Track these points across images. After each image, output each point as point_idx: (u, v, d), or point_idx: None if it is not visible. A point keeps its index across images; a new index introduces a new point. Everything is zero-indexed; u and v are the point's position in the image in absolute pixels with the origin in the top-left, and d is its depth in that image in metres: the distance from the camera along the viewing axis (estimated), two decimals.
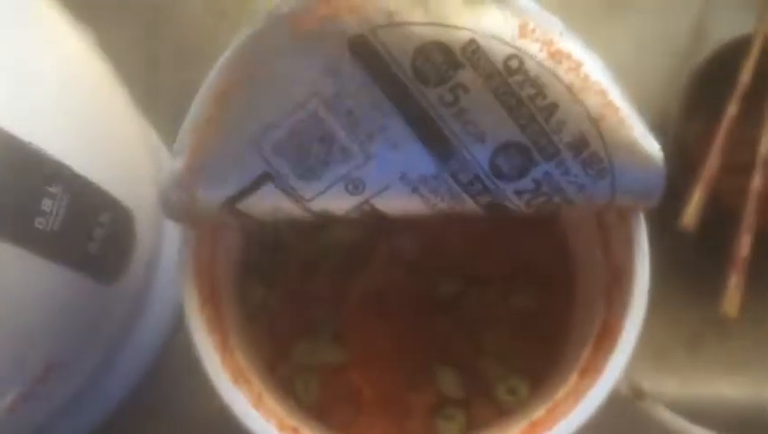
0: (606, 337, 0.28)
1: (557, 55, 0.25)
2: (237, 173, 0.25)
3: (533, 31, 0.25)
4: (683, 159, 0.41)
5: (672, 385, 0.43)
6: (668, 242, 0.35)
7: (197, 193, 0.26)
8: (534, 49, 0.24)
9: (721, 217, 0.39)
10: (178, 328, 0.39)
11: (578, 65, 0.25)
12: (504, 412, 0.31)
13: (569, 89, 0.25)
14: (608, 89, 0.25)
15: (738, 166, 0.40)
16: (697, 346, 0.44)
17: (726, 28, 0.45)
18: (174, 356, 0.41)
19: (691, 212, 0.39)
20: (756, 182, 0.40)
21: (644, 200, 0.27)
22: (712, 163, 0.40)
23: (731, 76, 0.42)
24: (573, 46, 0.25)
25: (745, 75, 0.41)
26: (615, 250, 0.29)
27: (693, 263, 0.42)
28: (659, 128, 0.41)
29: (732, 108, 0.41)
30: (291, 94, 0.25)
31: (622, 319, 0.28)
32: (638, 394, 0.36)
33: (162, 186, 0.26)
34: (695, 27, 0.48)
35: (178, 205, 0.26)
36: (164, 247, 0.39)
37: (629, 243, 0.28)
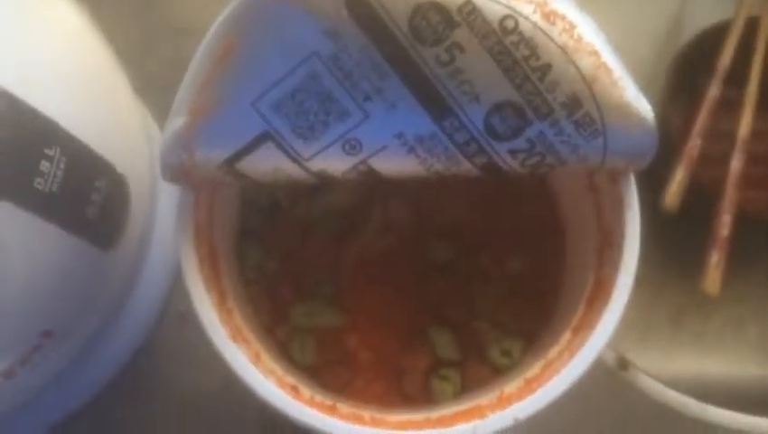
0: (599, 296, 0.29)
1: (551, 16, 0.25)
2: (236, 132, 0.26)
3: None
4: (666, 142, 0.42)
5: (655, 360, 0.43)
6: (650, 222, 0.36)
7: (196, 153, 0.26)
8: (528, 10, 0.25)
9: (702, 197, 0.40)
10: (172, 300, 0.40)
11: (572, 26, 0.25)
12: (499, 372, 0.32)
13: (563, 49, 0.25)
14: (601, 51, 0.26)
15: (719, 157, 0.41)
16: (679, 323, 0.45)
17: (706, 14, 0.46)
18: (169, 331, 0.42)
19: (673, 193, 0.40)
20: (735, 162, 0.41)
21: (636, 161, 0.27)
22: (692, 145, 0.41)
23: (711, 60, 0.42)
24: (566, 7, 0.25)
25: (726, 58, 0.42)
26: (606, 212, 0.30)
27: (675, 242, 0.43)
28: None
29: (713, 90, 0.41)
30: (290, 54, 0.25)
31: (615, 278, 0.28)
32: (622, 364, 0.37)
33: (161, 147, 0.27)
34: (675, 14, 0.48)
35: (177, 166, 0.27)
36: (158, 217, 0.39)
37: (620, 205, 0.29)
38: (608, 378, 0.37)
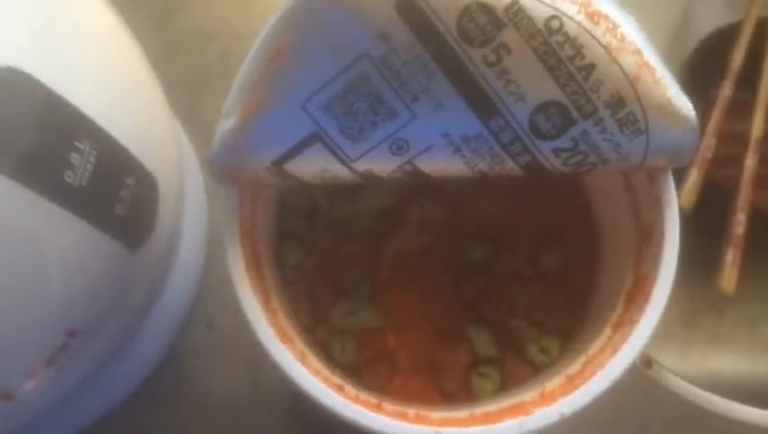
0: (639, 293, 0.29)
1: (594, 16, 0.25)
2: (285, 133, 0.26)
3: None
4: None
5: (670, 360, 0.44)
6: None
7: (246, 153, 0.27)
8: (573, 10, 0.25)
9: (717, 196, 0.40)
10: (198, 305, 0.40)
11: (615, 26, 0.26)
12: (537, 369, 0.32)
13: (607, 49, 0.26)
14: (643, 50, 0.26)
15: (733, 157, 0.41)
16: (694, 322, 0.45)
17: (716, 16, 0.47)
18: (195, 335, 0.42)
19: (688, 192, 0.40)
20: (750, 161, 0.41)
21: (676, 158, 0.28)
22: (707, 145, 0.41)
23: (722, 62, 0.43)
24: (609, 7, 0.26)
25: (737, 59, 0.42)
26: (644, 211, 0.30)
27: (690, 241, 0.43)
28: None
29: (725, 90, 0.42)
30: (340, 55, 0.25)
31: (655, 274, 0.29)
32: (647, 362, 0.37)
33: (213, 148, 0.27)
34: (685, 15, 0.49)
35: (227, 167, 0.27)
36: (185, 219, 0.39)
37: (658, 202, 0.29)
38: (633, 376, 0.37)
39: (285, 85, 0.26)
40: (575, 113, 0.26)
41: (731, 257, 0.40)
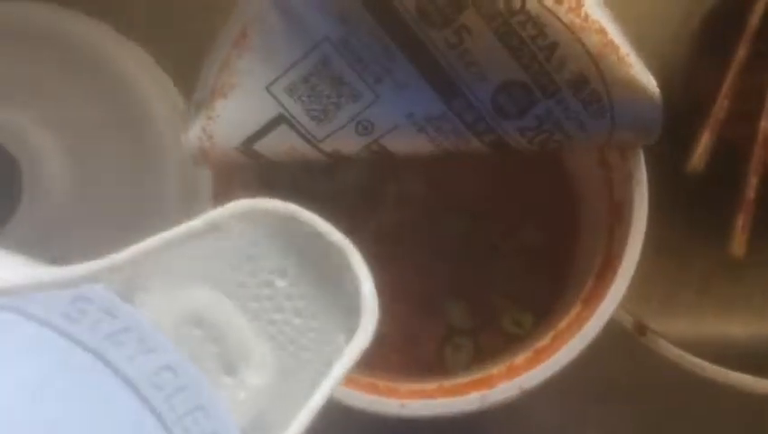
0: (607, 270, 0.30)
1: None
2: (253, 114, 0.27)
3: None
4: (693, 104, 0.42)
5: (682, 325, 0.43)
6: (677, 185, 0.36)
7: (215, 135, 0.27)
8: None
9: (730, 160, 0.40)
10: None
11: (579, 5, 0.26)
12: (510, 342, 0.33)
13: (569, 28, 0.26)
14: (607, 28, 0.26)
15: (747, 114, 0.41)
16: (706, 287, 0.45)
17: None
18: None
19: (699, 156, 0.40)
20: (764, 123, 0.41)
21: (643, 136, 0.28)
22: (721, 106, 0.40)
23: (740, 20, 0.42)
24: None
25: (755, 17, 0.41)
26: (617, 188, 0.30)
27: (702, 205, 0.43)
28: (667, 73, 0.42)
29: (741, 51, 0.41)
30: (304, 39, 0.26)
31: (622, 252, 0.29)
32: (640, 330, 0.37)
33: (186, 133, 0.28)
34: None
35: (199, 147, 0.28)
36: None
37: (629, 180, 0.29)
38: (626, 343, 0.38)
39: (250, 69, 0.26)
40: (537, 92, 0.26)
41: (741, 221, 0.39)
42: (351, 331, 0.21)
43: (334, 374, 0.20)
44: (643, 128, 0.28)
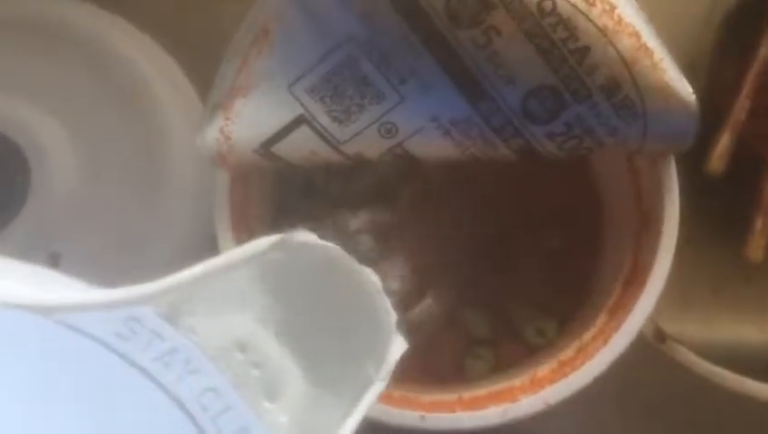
0: (635, 279, 0.29)
1: None
2: (272, 116, 0.26)
3: None
4: (714, 103, 0.41)
5: (696, 328, 0.43)
6: (695, 185, 0.35)
7: (233, 136, 0.27)
8: None
9: (749, 161, 0.39)
10: None
11: (612, 7, 0.25)
12: (532, 352, 0.32)
13: (603, 31, 0.25)
14: (641, 32, 0.25)
15: (767, 111, 0.40)
16: (721, 290, 0.44)
17: None
18: None
19: (718, 157, 0.39)
20: None
21: (676, 144, 0.27)
22: (740, 106, 0.40)
23: (762, 19, 0.41)
24: None
25: None
26: (645, 195, 0.30)
27: (720, 207, 0.42)
28: (690, 72, 0.41)
29: (763, 51, 0.40)
30: (326, 38, 0.25)
31: (652, 261, 0.28)
32: (660, 337, 0.37)
33: (201, 134, 0.27)
34: None
35: (216, 149, 0.27)
36: None
37: (659, 187, 0.29)
38: (645, 351, 0.37)
39: (271, 68, 0.25)
40: (568, 97, 0.25)
41: (760, 224, 0.39)
42: (379, 361, 0.22)
43: (365, 403, 0.22)
44: (676, 136, 0.27)
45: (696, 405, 0.40)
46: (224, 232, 0.29)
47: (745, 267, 0.39)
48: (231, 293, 0.22)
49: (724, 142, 0.39)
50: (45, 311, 0.21)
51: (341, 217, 0.33)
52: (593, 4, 0.25)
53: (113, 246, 0.34)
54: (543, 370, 0.29)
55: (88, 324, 0.21)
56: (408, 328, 0.28)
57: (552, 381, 0.28)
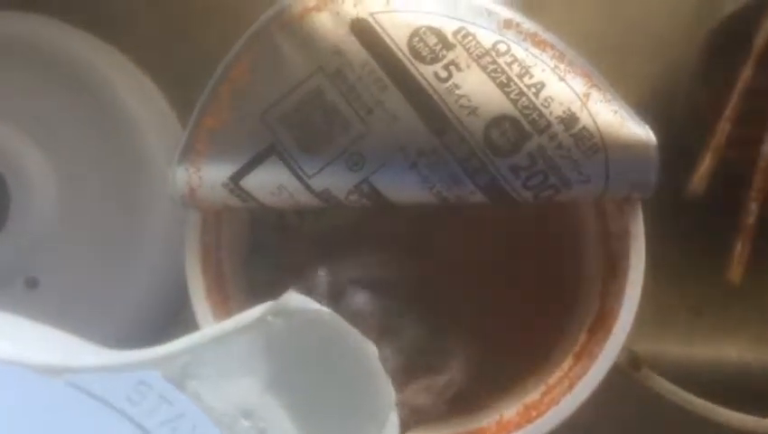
0: (601, 326, 0.29)
1: (541, 44, 0.27)
2: (243, 146, 0.28)
3: (518, 25, 0.28)
4: (696, 123, 0.41)
5: (675, 348, 0.43)
6: (676, 206, 0.36)
7: (203, 168, 0.28)
8: (519, 38, 0.27)
9: (731, 184, 0.39)
10: None
11: (562, 54, 0.28)
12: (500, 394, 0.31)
13: (554, 70, 0.27)
14: (592, 75, 0.28)
15: (749, 137, 0.40)
16: (700, 310, 0.44)
17: None
18: None
19: (700, 177, 0.39)
20: (766, 147, 0.40)
21: (639, 185, 0.28)
22: (723, 128, 0.39)
23: (746, 40, 0.41)
24: (557, 40, 0.28)
25: (760, 38, 0.40)
26: (613, 241, 0.30)
27: (701, 228, 0.42)
28: (673, 91, 0.42)
29: (746, 73, 0.40)
30: (297, 71, 0.27)
31: (618, 310, 0.29)
32: (635, 365, 0.36)
33: (172, 167, 0.28)
34: None
35: (186, 185, 0.28)
36: None
37: (626, 236, 0.29)
38: (619, 378, 0.36)
39: (242, 102, 0.27)
40: (528, 127, 0.27)
41: (740, 247, 0.38)
42: (379, 426, 0.23)
43: None
44: (638, 173, 0.28)
45: (669, 431, 0.40)
46: (194, 274, 0.29)
47: (726, 288, 0.38)
48: (235, 359, 0.23)
49: (705, 163, 0.39)
50: (58, 372, 0.21)
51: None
52: (543, 50, 0.27)
53: (92, 272, 0.35)
54: (509, 413, 0.28)
55: (98, 386, 0.22)
56: None
57: (518, 425, 0.28)
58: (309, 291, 0.32)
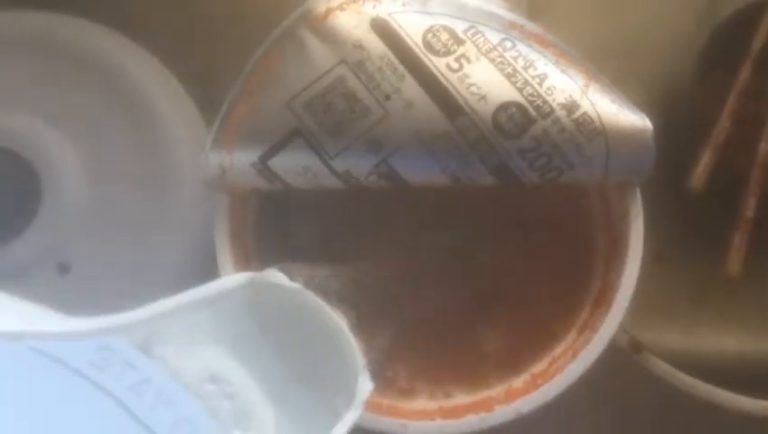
0: (603, 301, 0.32)
1: (544, 43, 0.31)
2: (271, 130, 0.31)
3: (522, 26, 0.31)
4: (696, 120, 0.43)
5: (675, 339, 0.44)
6: (677, 200, 0.39)
7: (235, 151, 0.31)
8: (523, 37, 0.31)
9: (730, 179, 0.41)
10: None
11: (563, 52, 0.31)
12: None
13: (556, 65, 0.30)
14: (592, 71, 0.31)
15: (748, 135, 0.42)
16: (701, 301, 0.45)
17: None
18: None
19: (700, 173, 0.41)
20: (764, 146, 0.41)
21: (638, 168, 0.31)
22: (722, 125, 0.41)
23: (741, 45, 0.43)
24: (559, 41, 0.31)
25: (759, 40, 0.42)
26: (614, 222, 0.33)
27: (701, 221, 0.43)
28: (672, 89, 0.44)
29: (745, 73, 0.42)
30: (321, 62, 0.30)
31: (618, 285, 0.32)
32: (636, 348, 0.37)
33: (205, 154, 0.31)
34: None
35: (216, 169, 0.31)
36: None
37: (626, 217, 0.32)
38: (620, 362, 0.38)
39: (270, 91, 0.31)
40: (533, 112, 0.30)
41: (738, 240, 0.40)
42: (348, 399, 0.24)
43: None
44: (637, 158, 0.31)
45: (668, 415, 0.41)
46: (224, 256, 0.32)
47: (725, 281, 0.40)
48: (203, 326, 0.24)
49: (705, 159, 0.41)
50: (17, 337, 0.22)
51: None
52: (546, 47, 0.31)
53: (122, 258, 0.37)
54: (517, 382, 0.31)
55: (61, 351, 0.22)
56: None
57: (525, 392, 0.30)
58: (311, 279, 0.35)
